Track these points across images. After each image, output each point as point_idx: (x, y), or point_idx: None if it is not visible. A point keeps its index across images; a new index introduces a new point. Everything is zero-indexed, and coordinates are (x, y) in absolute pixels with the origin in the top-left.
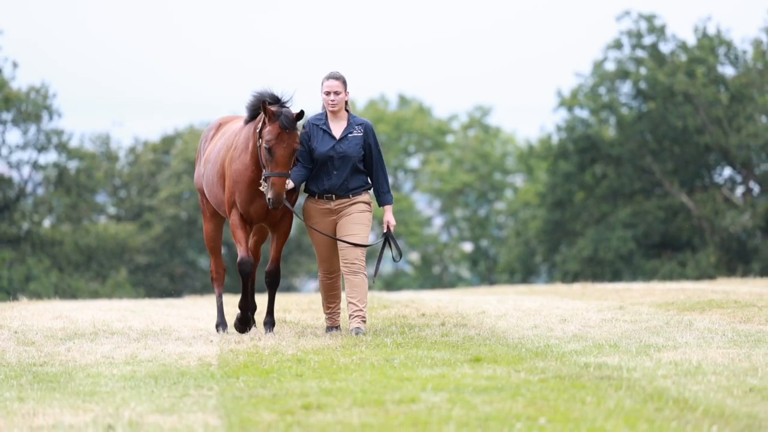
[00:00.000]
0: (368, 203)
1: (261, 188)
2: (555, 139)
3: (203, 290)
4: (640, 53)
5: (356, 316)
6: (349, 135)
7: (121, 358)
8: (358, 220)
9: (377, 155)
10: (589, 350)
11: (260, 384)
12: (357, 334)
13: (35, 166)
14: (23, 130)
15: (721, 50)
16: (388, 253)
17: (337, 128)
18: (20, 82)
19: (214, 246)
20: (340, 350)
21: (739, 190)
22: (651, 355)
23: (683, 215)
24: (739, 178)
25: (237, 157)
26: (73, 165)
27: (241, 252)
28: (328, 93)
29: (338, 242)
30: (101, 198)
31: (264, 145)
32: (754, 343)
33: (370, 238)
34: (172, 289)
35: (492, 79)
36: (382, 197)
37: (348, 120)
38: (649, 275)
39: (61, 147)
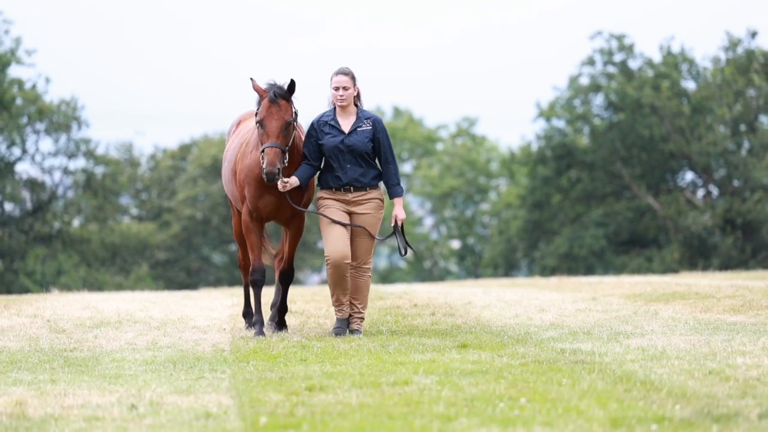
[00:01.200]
0: (382, 199)
1: (261, 164)
2: (534, 147)
3: (217, 283)
4: (611, 69)
5: (357, 318)
6: (358, 129)
7: (143, 345)
8: (371, 224)
9: (387, 148)
10: (565, 337)
11: (268, 368)
12: (353, 334)
13: (65, 171)
14: (55, 139)
15: (684, 66)
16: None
17: (346, 123)
18: (52, 95)
19: (241, 239)
20: (341, 338)
21: (700, 193)
22: (620, 342)
23: (650, 215)
24: (700, 182)
25: (249, 153)
26: (99, 170)
27: (252, 259)
28: (336, 88)
29: (350, 237)
30: (125, 200)
31: (256, 119)
32: (713, 330)
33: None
34: (189, 282)
35: (478, 92)
36: (392, 189)
37: (357, 114)
38: (619, 270)
39: (89, 154)
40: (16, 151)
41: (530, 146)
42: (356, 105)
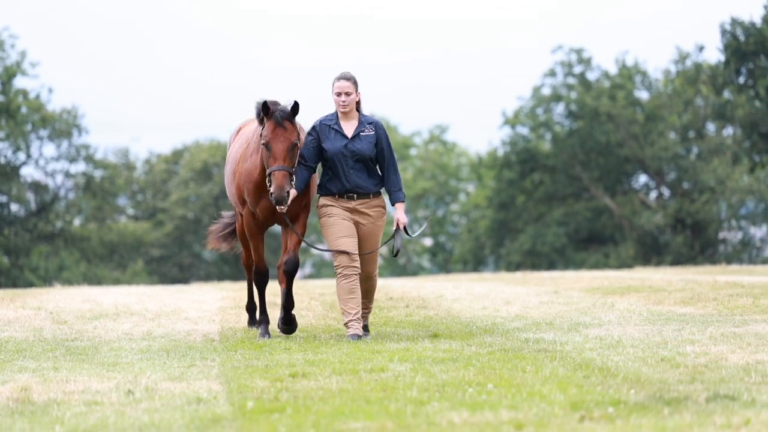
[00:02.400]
0: (384, 206)
1: (269, 188)
2: (500, 152)
3: (207, 278)
4: (570, 80)
5: (366, 312)
6: (361, 134)
7: (138, 335)
8: (376, 236)
9: (389, 153)
10: (529, 328)
11: (255, 356)
12: (364, 333)
13: (67, 174)
14: (57, 145)
15: (638, 78)
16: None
17: (349, 127)
18: (54, 104)
19: (244, 240)
20: (322, 328)
21: (653, 194)
22: (580, 332)
23: (607, 215)
24: (652, 184)
25: (248, 156)
26: (98, 174)
27: (256, 261)
28: (339, 94)
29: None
30: (122, 201)
31: (262, 142)
32: (665, 321)
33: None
34: (181, 277)
35: (449, 102)
36: (394, 195)
37: (359, 119)
38: (578, 265)
39: (89, 159)
40: (21, 156)
41: (497, 151)
42: (358, 110)
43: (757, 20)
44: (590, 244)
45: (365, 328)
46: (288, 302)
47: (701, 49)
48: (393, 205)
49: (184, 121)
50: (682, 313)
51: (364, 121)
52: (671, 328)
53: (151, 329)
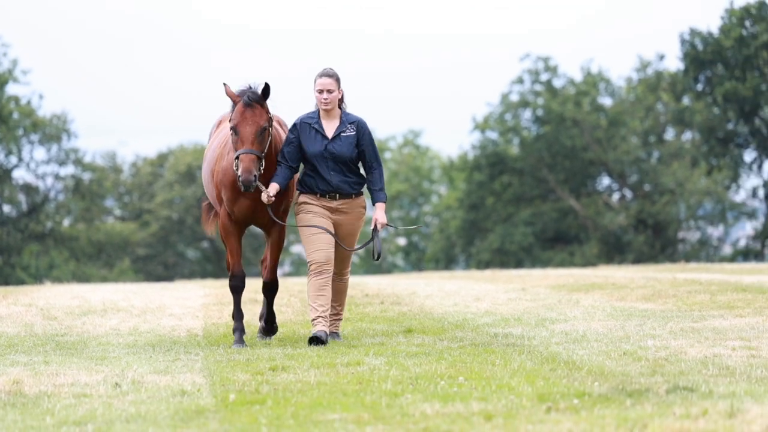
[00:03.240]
0: (365, 206)
1: (235, 170)
2: (471, 156)
3: (191, 276)
4: (538, 87)
5: (336, 321)
6: (342, 134)
7: (125, 330)
8: (352, 233)
9: (371, 152)
10: (498, 323)
11: (236, 351)
12: (333, 338)
13: (56, 177)
14: (47, 149)
15: (602, 85)
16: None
17: (330, 127)
18: (45, 110)
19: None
20: (300, 324)
21: (616, 196)
22: (546, 327)
23: (572, 215)
24: (615, 186)
25: (226, 154)
26: (87, 176)
27: (232, 263)
28: (321, 91)
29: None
30: (109, 202)
31: (230, 125)
32: (627, 316)
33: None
34: (166, 275)
35: (422, 108)
36: (375, 194)
37: (341, 118)
38: (545, 263)
39: (77, 162)
40: (13, 160)
41: (467, 155)
42: (340, 108)
43: (715, 31)
44: (556, 243)
45: (337, 335)
46: (269, 317)
47: (662, 57)
48: (374, 203)
49: (169, 126)
50: (643, 309)
51: (345, 121)
52: (633, 324)
53: (137, 325)
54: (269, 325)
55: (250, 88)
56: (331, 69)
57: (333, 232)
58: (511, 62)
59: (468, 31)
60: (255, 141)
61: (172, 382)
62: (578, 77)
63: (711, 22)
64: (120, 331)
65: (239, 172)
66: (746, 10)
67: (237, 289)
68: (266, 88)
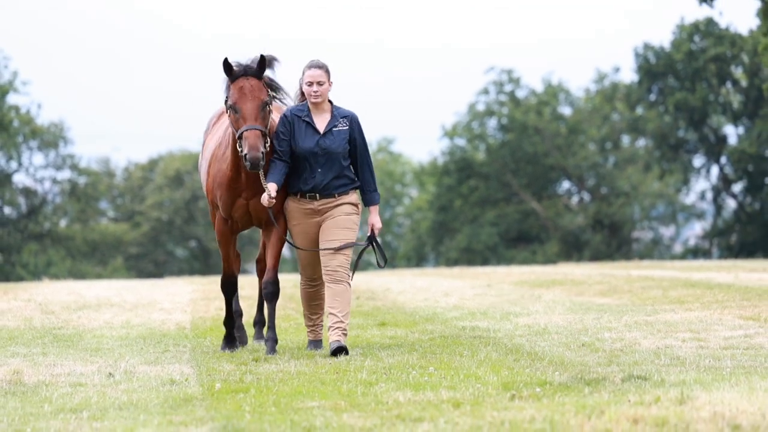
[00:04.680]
0: (356, 204)
1: (240, 152)
2: (440, 161)
3: (179, 273)
4: (502, 98)
5: (336, 328)
6: (334, 129)
7: (118, 324)
8: (343, 224)
9: (363, 150)
10: (465, 317)
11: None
12: (337, 349)
13: (54, 181)
14: (45, 154)
15: (562, 96)
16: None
17: (321, 121)
18: (43, 118)
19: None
20: (282, 318)
21: (575, 198)
22: (510, 320)
23: (534, 217)
24: (574, 190)
25: (221, 155)
26: (82, 180)
27: (225, 269)
28: (310, 84)
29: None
30: (103, 205)
31: (228, 104)
32: (585, 310)
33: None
34: (156, 272)
35: (395, 116)
36: (368, 196)
37: (332, 112)
38: (509, 261)
39: (74, 167)
40: (13, 165)
41: (437, 161)
42: (330, 101)
43: (667, 45)
44: (519, 242)
45: (340, 348)
46: (271, 321)
47: (617, 70)
48: (367, 206)
49: (159, 134)
50: (600, 303)
51: (337, 115)
52: (591, 317)
53: (129, 319)
54: (268, 331)
55: (246, 63)
56: (320, 60)
57: (317, 242)
58: (477, 74)
59: (437, 46)
60: (258, 116)
61: (162, 372)
62: (539, 88)
63: (663, 37)
64: (113, 325)
65: (245, 150)
66: (695, 26)
67: (230, 292)
68: (262, 61)
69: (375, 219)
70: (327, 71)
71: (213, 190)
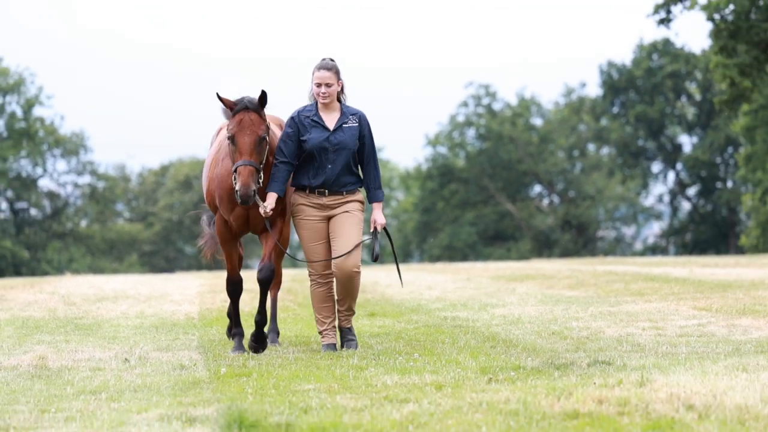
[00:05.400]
0: (362, 202)
1: (234, 183)
2: (424, 167)
3: (188, 268)
4: (480, 110)
5: (347, 316)
6: (344, 125)
7: (133, 314)
8: (351, 222)
9: (370, 148)
10: (447, 308)
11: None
12: (349, 345)
13: (75, 185)
14: (67, 161)
15: (534, 108)
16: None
17: (330, 119)
18: (66, 129)
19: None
20: (281, 308)
21: (546, 201)
22: (488, 311)
23: (508, 218)
24: (545, 193)
25: (220, 161)
26: (100, 184)
27: (229, 270)
28: (319, 85)
29: (332, 249)
30: (119, 206)
31: (228, 135)
32: (555, 302)
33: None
34: (167, 268)
35: (384, 127)
36: (373, 193)
37: (341, 110)
38: (486, 258)
39: (93, 172)
40: (39, 171)
41: (421, 167)
42: (339, 101)
43: (628, 63)
44: (495, 240)
45: (350, 330)
46: (261, 317)
47: (584, 85)
48: (371, 203)
49: (170, 142)
50: (568, 296)
51: (347, 112)
52: (560, 308)
53: (143, 310)
54: (259, 330)
55: (246, 96)
56: (329, 61)
57: (328, 249)
58: (458, 89)
59: (422, 64)
60: (254, 152)
61: (173, 358)
62: (514, 101)
63: (625, 56)
64: (129, 315)
65: (237, 186)
66: (654, 45)
67: (236, 293)
68: (263, 96)
69: (378, 215)
70: (336, 72)
71: (213, 193)
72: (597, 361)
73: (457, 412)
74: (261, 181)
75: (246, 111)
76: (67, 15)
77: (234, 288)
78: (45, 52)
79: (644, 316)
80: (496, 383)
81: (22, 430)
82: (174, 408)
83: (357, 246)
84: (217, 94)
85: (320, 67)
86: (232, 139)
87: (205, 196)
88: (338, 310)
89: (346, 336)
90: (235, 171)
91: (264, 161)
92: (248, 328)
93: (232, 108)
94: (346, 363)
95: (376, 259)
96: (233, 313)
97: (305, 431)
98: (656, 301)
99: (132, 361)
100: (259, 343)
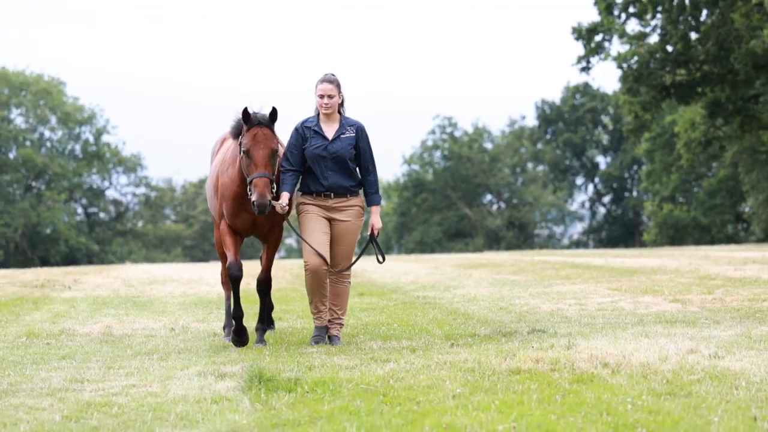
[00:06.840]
0: (363, 207)
1: (249, 196)
2: (401, 180)
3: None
4: (444, 136)
5: (336, 324)
6: (342, 136)
7: (177, 293)
8: (351, 231)
9: (368, 156)
10: (419, 289)
11: (250, 306)
12: (332, 342)
13: (134, 195)
14: (128, 176)
15: (486, 135)
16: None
17: (330, 130)
18: (127, 151)
19: (223, 251)
20: (291, 289)
21: (495, 207)
22: (451, 291)
23: (467, 220)
24: (495, 200)
25: (225, 171)
26: (153, 194)
27: (229, 257)
28: (321, 96)
29: (331, 254)
30: (167, 211)
31: (242, 149)
32: (502, 285)
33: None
34: (204, 258)
35: None
36: (370, 197)
37: (340, 122)
38: (449, 250)
39: (147, 185)
40: (106, 184)
41: (399, 180)
42: (340, 112)
43: (557, 101)
44: (456, 237)
45: (337, 338)
46: (262, 321)
47: (524, 117)
48: (369, 207)
49: (207, 161)
50: (513, 279)
51: (345, 124)
52: (506, 289)
53: (185, 290)
54: (260, 323)
55: (258, 112)
56: (332, 75)
57: (328, 243)
58: (427, 119)
59: (400, 94)
60: (268, 164)
61: (208, 328)
62: (470, 130)
63: (555, 95)
64: (174, 294)
65: (254, 197)
66: (577, 87)
67: (235, 279)
68: (273, 112)
69: (376, 219)
70: (338, 85)
71: (219, 201)
72: (534, 329)
73: (426, 369)
74: (274, 191)
75: (259, 126)
76: (128, 64)
77: (234, 272)
78: (112, 93)
79: (570, 295)
80: (457, 347)
81: (93, 381)
82: (209, 366)
83: (356, 261)
84: (246, 109)
85: (323, 80)
86: (246, 153)
87: (210, 205)
88: (330, 315)
89: (333, 342)
90: (251, 183)
91: (276, 172)
92: (248, 328)
93: (246, 122)
94: (342, 331)
95: (383, 260)
96: (234, 299)
97: (310, 384)
98: (579, 284)
99: (176, 330)
100: (241, 335)
